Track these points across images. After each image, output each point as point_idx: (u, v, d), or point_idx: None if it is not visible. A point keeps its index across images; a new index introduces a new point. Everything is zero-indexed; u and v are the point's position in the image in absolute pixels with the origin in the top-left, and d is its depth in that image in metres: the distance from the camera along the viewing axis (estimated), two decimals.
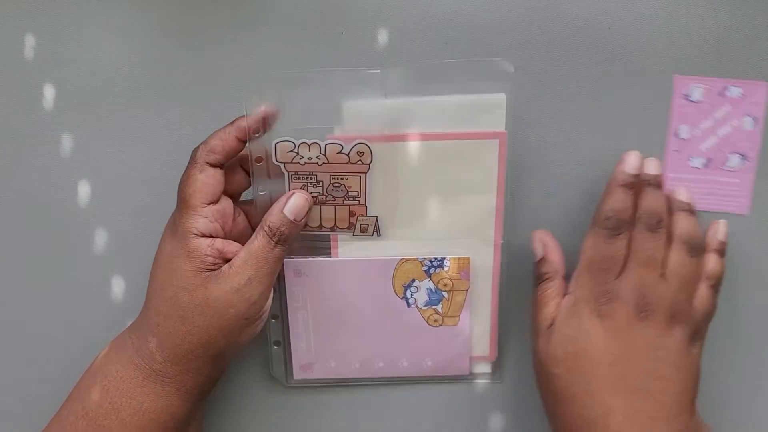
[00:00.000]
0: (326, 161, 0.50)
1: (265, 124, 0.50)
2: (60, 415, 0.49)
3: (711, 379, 0.54)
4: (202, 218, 0.48)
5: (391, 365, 0.55)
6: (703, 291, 0.50)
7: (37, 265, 0.56)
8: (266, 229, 0.49)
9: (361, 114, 0.51)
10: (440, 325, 0.54)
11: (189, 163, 0.49)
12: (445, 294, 0.54)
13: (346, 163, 0.51)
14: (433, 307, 0.54)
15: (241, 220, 0.52)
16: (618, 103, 0.55)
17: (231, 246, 0.49)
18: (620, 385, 0.47)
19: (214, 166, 0.49)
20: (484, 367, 0.56)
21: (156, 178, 0.56)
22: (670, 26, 0.54)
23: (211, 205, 0.49)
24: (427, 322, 0.54)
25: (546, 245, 0.53)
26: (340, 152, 0.50)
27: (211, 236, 0.49)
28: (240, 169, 0.52)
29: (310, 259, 0.53)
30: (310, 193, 0.51)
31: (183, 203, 0.49)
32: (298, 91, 0.51)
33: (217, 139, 0.49)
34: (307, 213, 0.51)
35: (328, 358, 0.55)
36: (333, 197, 0.52)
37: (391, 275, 0.53)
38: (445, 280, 0.54)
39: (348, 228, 0.53)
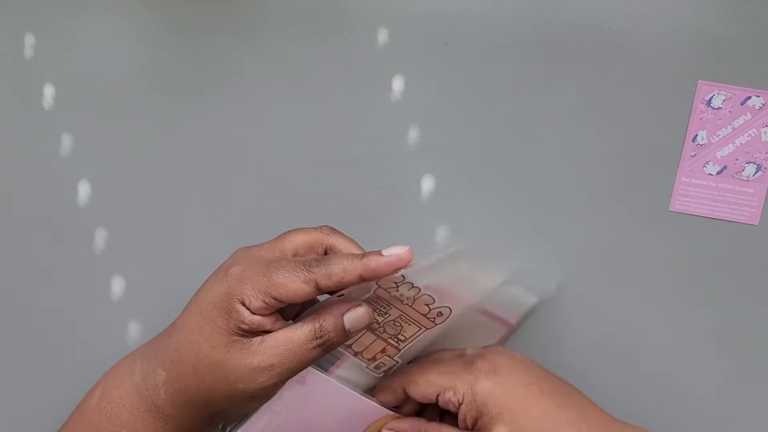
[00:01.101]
0: (409, 303, 0.48)
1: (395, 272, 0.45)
2: (64, 428, 0.49)
3: (719, 390, 0.54)
4: (262, 303, 0.44)
5: None
6: None
7: (36, 265, 0.57)
8: (316, 326, 0.45)
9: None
10: None
11: (303, 262, 0.45)
12: None
13: (422, 314, 0.48)
14: None
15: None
16: (630, 104, 0.54)
17: (269, 320, 0.45)
18: None
19: (320, 290, 0.45)
20: None
21: (156, 178, 0.56)
22: (694, 31, 0.54)
23: (279, 302, 0.45)
24: None
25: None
26: (426, 303, 0.48)
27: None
28: None
29: (310, 368, 0.49)
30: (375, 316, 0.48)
31: (262, 272, 0.45)
32: None
33: (339, 269, 0.44)
34: (360, 331, 0.47)
35: None
36: (384, 330, 0.49)
37: (367, 422, 0.52)
38: None
39: (369, 359, 0.50)
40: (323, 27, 0.54)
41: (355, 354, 0.50)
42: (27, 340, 0.57)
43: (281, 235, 0.48)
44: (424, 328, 0.49)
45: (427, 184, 0.55)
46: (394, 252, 0.44)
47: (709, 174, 0.54)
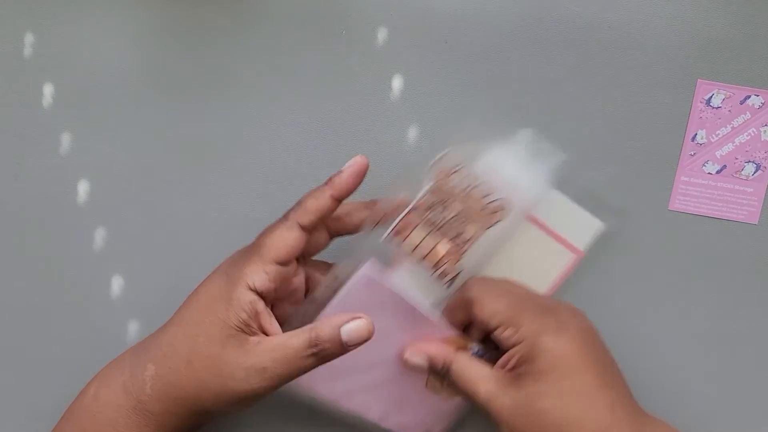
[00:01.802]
0: (465, 195, 0.48)
1: (360, 180, 0.47)
2: (56, 429, 0.49)
3: (720, 391, 0.54)
4: (264, 274, 0.45)
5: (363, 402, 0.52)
6: None
7: (36, 264, 0.57)
8: (312, 335, 0.44)
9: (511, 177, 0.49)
10: (435, 391, 0.52)
11: (281, 218, 0.47)
12: None
13: (480, 209, 0.48)
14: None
15: (298, 281, 0.49)
16: (629, 104, 0.54)
17: (268, 319, 0.46)
18: None
19: (305, 228, 0.46)
20: None
21: (156, 177, 0.56)
22: (694, 31, 0.54)
23: (279, 266, 0.46)
24: (425, 382, 0.52)
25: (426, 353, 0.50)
26: (484, 197, 0.48)
27: (260, 295, 0.45)
28: (322, 228, 0.50)
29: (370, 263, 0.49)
30: (430, 216, 0.48)
31: (254, 250, 0.46)
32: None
33: (311, 200, 0.46)
34: (358, 345, 0.45)
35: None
36: (444, 232, 0.49)
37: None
38: None
39: (433, 266, 0.49)
40: (323, 27, 0.55)
41: (420, 259, 0.49)
42: (26, 339, 0.57)
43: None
44: (484, 228, 0.48)
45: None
46: (351, 162, 0.47)
47: (709, 173, 0.54)
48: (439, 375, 0.50)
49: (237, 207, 0.56)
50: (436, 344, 0.50)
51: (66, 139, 0.56)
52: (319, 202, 0.46)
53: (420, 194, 0.48)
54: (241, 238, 0.52)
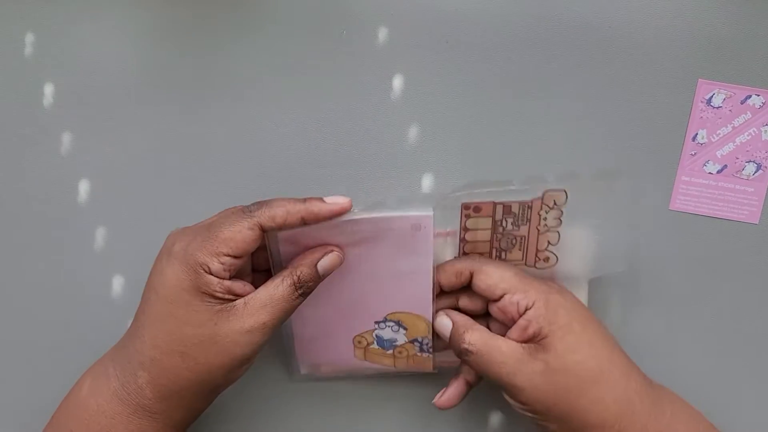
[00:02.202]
0: (540, 231, 0.50)
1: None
2: None
3: (720, 390, 0.54)
4: (219, 264, 0.45)
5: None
6: None
7: (37, 264, 0.57)
8: (294, 278, 0.46)
9: None
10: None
11: (241, 210, 0.46)
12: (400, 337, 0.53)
13: (535, 249, 0.51)
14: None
15: (251, 280, 0.50)
16: (630, 103, 0.54)
17: (238, 284, 0.46)
18: None
19: (263, 230, 0.46)
20: None
21: (156, 177, 0.56)
22: (694, 30, 0.54)
23: (234, 258, 0.46)
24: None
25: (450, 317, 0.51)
26: (548, 244, 0.51)
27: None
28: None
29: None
30: (503, 219, 0.50)
31: (210, 240, 0.45)
32: None
33: (282, 211, 0.46)
34: (331, 271, 0.49)
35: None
36: (499, 239, 0.51)
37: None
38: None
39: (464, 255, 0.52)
40: (323, 26, 0.54)
41: (462, 241, 0.51)
42: (26, 339, 0.57)
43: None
44: (524, 263, 0.51)
45: (427, 183, 0.55)
46: (337, 200, 0.47)
47: (710, 173, 0.54)
48: (456, 351, 0.50)
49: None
50: (462, 314, 0.51)
51: (66, 139, 0.56)
52: (288, 218, 0.46)
53: (518, 197, 0.49)
54: None
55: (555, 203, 0.49)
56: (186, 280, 0.45)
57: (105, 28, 0.55)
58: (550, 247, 0.50)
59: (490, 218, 0.50)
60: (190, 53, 0.55)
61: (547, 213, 0.49)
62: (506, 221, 0.50)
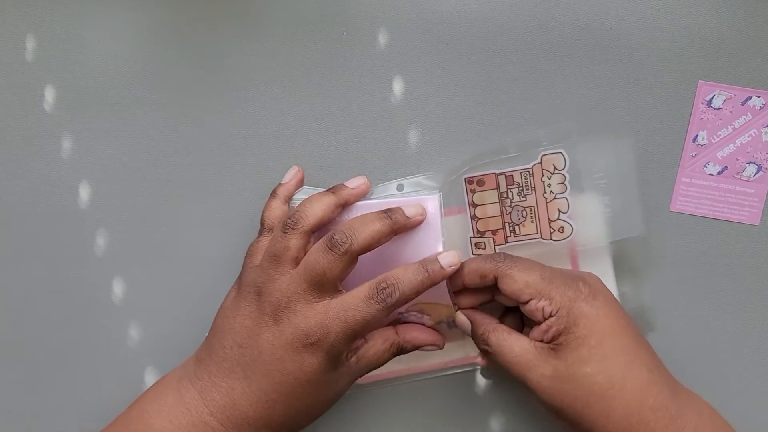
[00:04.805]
0: (547, 199, 0.51)
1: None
2: None
3: (721, 390, 0.54)
4: (349, 336, 0.47)
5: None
6: None
7: (37, 266, 0.57)
8: (395, 347, 0.51)
9: None
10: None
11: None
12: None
13: (548, 219, 0.51)
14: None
15: None
16: (630, 105, 0.54)
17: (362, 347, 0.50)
18: None
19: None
20: None
21: (157, 179, 0.56)
22: (694, 31, 0.54)
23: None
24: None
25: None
26: (560, 212, 0.51)
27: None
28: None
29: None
30: (509, 190, 0.51)
31: (321, 284, 0.47)
32: None
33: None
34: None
35: None
36: (510, 212, 0.51)
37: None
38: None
39: (478, 232, 0.52)
40: (323, 28, 0.54)
41: (473, 218, 0.51)
42: (27, 342, 0.57)
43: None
44: (539, 237, 0.51)
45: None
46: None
47: (710, 174, 0.54)
48: (477, 342, 0.51)
49: (237, 208, 0.56)
50: (481, 313, 0.51)
51: (67, 142, 0.56)
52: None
53: (518, 166, 0.50)
54: (242, 239, 0.52)
55: (555, 168, 0.50)
56: (328, 367, 0.48)
57: (106, 31, 0.55)
58: (563, 216, 0.51)
59: (495, 190, 0.51)
60: (190, 56, 0.55)
61: (549, 178, 0.50)
62: (511, 192, 0.51)
